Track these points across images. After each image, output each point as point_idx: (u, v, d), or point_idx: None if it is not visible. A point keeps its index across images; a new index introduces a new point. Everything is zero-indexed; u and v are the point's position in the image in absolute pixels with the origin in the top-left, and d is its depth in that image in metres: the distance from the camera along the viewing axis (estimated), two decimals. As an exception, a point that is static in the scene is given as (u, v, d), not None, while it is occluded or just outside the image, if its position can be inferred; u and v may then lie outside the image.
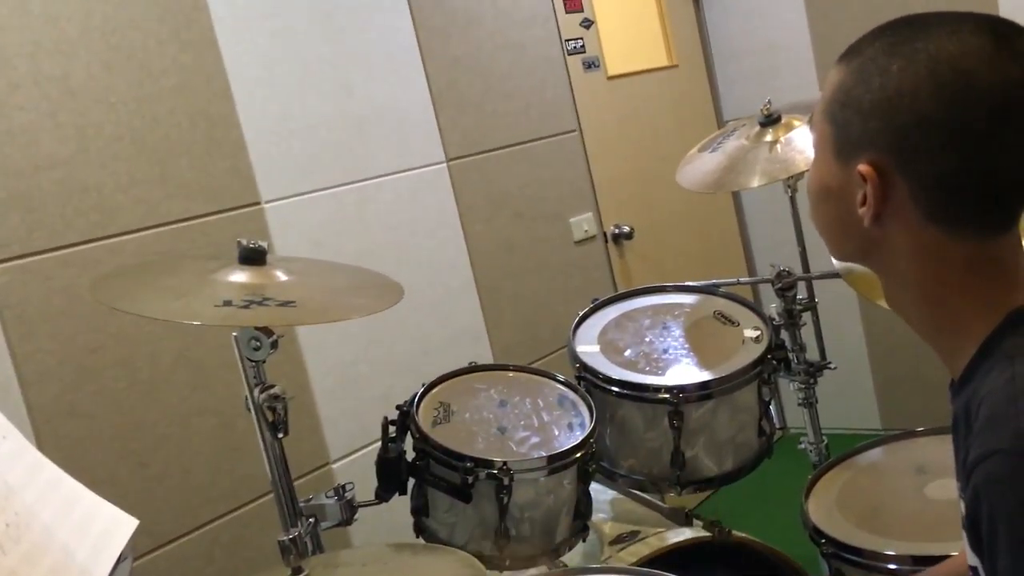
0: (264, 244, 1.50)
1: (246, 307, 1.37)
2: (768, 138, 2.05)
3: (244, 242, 1.49)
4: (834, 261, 1.28)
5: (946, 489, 1.72)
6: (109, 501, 1.24)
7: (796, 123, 2.03)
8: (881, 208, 0.91)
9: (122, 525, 1.20)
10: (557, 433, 1.74)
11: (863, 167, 0.90)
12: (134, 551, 1.81)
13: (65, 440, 1.85)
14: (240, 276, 1.46)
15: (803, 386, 2.21)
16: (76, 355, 1.89)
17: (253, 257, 1.49)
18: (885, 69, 0.88)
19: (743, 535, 1.90)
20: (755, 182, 1.98)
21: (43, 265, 1.86)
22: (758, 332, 1.97)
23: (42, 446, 1.81)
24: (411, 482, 1.70)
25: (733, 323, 2.01)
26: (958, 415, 0.95)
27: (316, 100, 2.40)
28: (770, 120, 2.07)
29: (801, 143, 2.00)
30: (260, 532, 2.11)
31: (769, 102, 2.07)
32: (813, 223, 1.03)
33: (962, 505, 0.92)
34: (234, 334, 1.43)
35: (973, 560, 0.93)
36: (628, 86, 3.60)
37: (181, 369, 2.05)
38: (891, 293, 1.00)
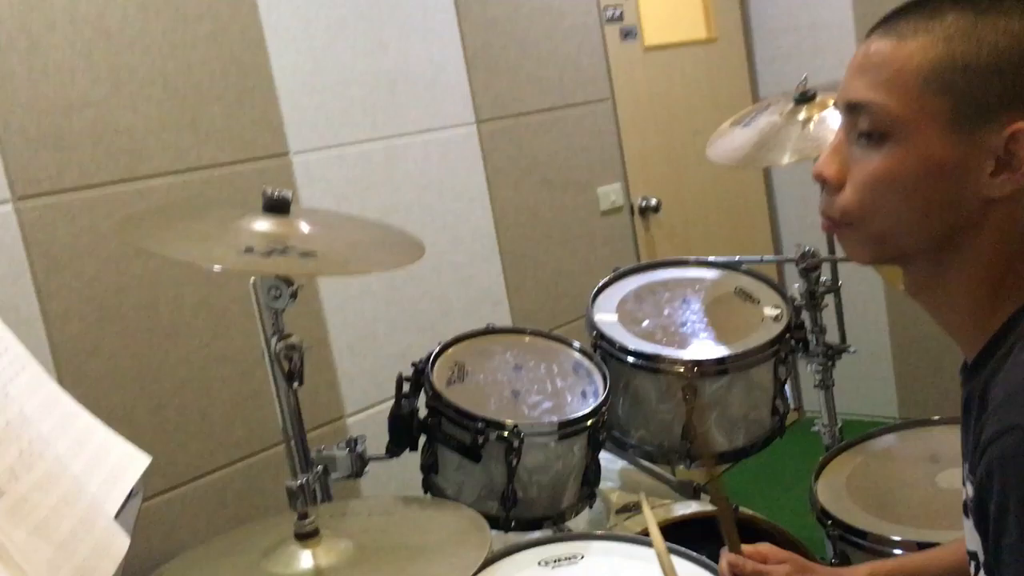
0: (288, 193, 1.50)
1: (267, 255, 1.37)
2: (802, 116, 2.02)
3: (268, 191, 1.49)
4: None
5: (958, 479, 1.70)
6: (125, 440, 1.26)
7: (831, 102, 2.00)
8: None
9: (135, 461, 1.23)
10: (570, 400, 1.75)
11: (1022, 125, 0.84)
12: (147, 490, 1.84)
13: (86, 378, 1.88)
14: (263, 224, 1.46)
15: (820, 368, 2.19)
16: (100, 295, 1.91)
17: (277, 206, 1.49)
18: (1007, 29, 0.84)
19: (750, 512, 1.90)
20: (785, 159, 1.96)
21: (72, 203, 1.88)
22: (778, 311, 1.96)
23: (63, 382, 1.83)
24: (423, 439, 1.71)
25: (754, 300, 2.00)
26: (971, 396, 0.93)
27: (350, 54, 2.39)
28: (805, 98, 2.04)
29: (835, 122, 1.97)
30: (274, 479, 2.14)
31: (805, 79, 2.04)
32: (868, 219, 0.92)
33: (968, 487, 0.91)
34: (253, 280, 1.44)
35: (973, 545, 0.92)
36: (665, 57, 3.56)
37: (203, 315, 2.07)
38: (938, 277, 0.94)
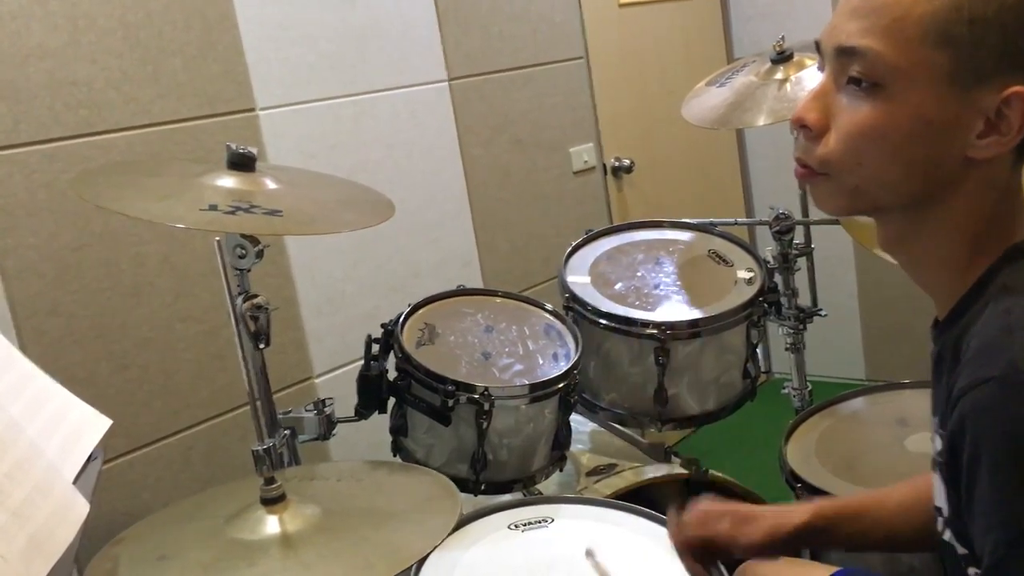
0: (254, 150, 1.46)
1: (232, 213, 1.34)
2: (778, 76, 1.99)
3: (233, 146, 1.45)
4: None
5: (926, 442, 1.71)
6: (87, 401, 1.22)
7: (808, 62, 1.97)
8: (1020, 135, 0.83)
9: (95, 424, 1.19)
10: (541, 362, 1.73)
11: (1020, 89, 0.81)
12: (108, 452, 1.81)
13: (46, 337, 1.83)
14: (227, 181, 1.42)
15: (792, 331, 2.19)
16: (59, 253, 1.86)
17: (242, 163, 1.45)
18: None
19: (719, 474, 1.90)
20: (761, 120, 1.93)
21: (28, 158, 1.81)
22: (752, 274, 1.95)
23: (22, 342, 1.79)
24: (392, 401, 1.69)
25: (727, 263, 1.99)
26: (943, 351, 0.92)
27: (318, 7, 2.32)
28: (782, 57, 2.01)
29: (813, 83, 1.94)
30: (240, 441, 2.11)
31: (783, 38, 2.01)
32: (848, 170, 0.89)
33: (937, 441, 0.90)
34: (217, 239, 1.41)
35: (940, 500, 0.91)
36: (639, 15, 3.51)
37: (166, 274, 2.02)
38: (912, 232, 0.92)
